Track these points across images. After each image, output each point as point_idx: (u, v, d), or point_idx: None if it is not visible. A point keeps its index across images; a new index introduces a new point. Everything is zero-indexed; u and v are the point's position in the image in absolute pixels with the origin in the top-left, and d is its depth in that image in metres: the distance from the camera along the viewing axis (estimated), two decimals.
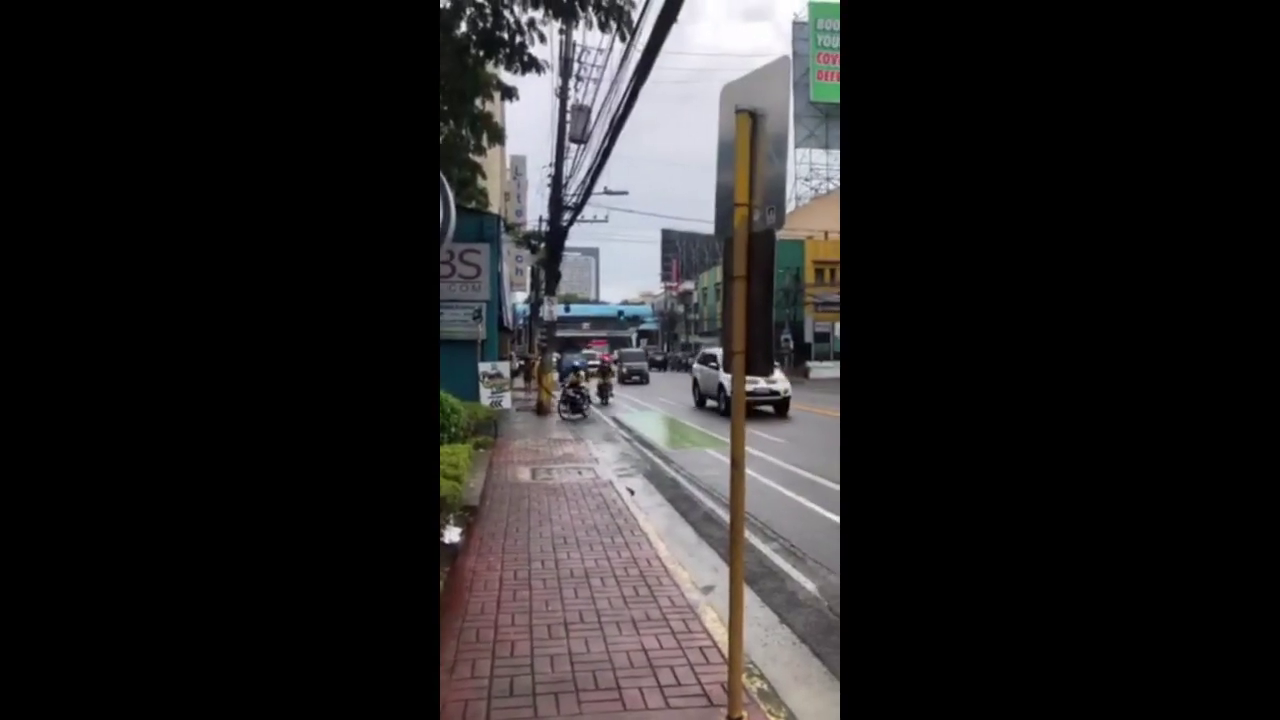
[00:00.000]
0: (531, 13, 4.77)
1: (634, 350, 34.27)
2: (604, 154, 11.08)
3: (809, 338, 31.97)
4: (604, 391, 17.56)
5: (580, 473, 7.33)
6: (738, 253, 2.43)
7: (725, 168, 2.51)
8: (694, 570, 4.20)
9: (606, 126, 10.16)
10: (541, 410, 13.85)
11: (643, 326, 56.65)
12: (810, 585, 4.17)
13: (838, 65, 42.08)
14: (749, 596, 3.84)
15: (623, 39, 6.93)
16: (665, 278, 65.75)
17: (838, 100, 41.93)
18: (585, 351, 36.41)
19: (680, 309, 55.27)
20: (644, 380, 26.28)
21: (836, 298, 33.88)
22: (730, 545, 2.43)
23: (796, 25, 43.22)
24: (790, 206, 43.32)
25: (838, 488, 6.73)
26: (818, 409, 15.69)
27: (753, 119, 2.37)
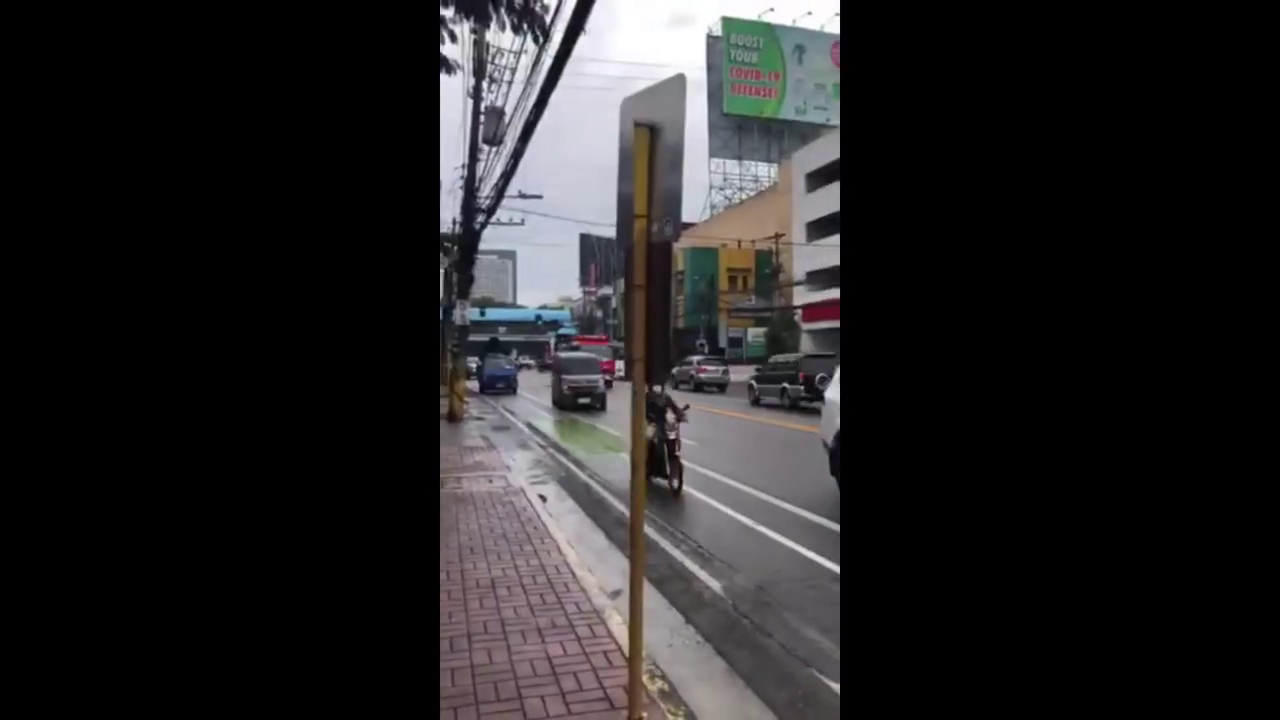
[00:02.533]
0: (442, 11, 4.68)
1: (579, 356, 19.90)
2: (516, 156, 10.97)
3: (723, 343, 32.81)
4: (665, 457, 6.97)
5: (491, 481, 7.20)
6: (638, 262, 2.49)
7: (626, 179, 2.56)
8: (603, 575, 4.23)
9: (520, 129, 10.07)
10: (453, 417, 13.50)
11: (561, 331, 56.44)
12: (716, 585, 4.29)
13: (750, 78, 43.67)
14: (657, 599, 3.91)
15: (536, 42, 6.91)
16: (584, 282, 65.92)
17: (749, 113, 43.55)
18: (511, 359, 28.95)
19: (599, 314, 55.40)
20: (597, 404, 16.94)
21: (748, 304, 34.96)
22: (630, 549, 2.48)
23: (711, 40, 44.37)
24: (705, 215, 44.58)
25: (746, 488, 6.98)
26: (727, 411, 16.23)
27: (651, 133, 2.43)
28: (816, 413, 15.18)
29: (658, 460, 7.01)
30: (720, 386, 23.55)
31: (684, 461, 7.12)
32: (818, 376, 15.14)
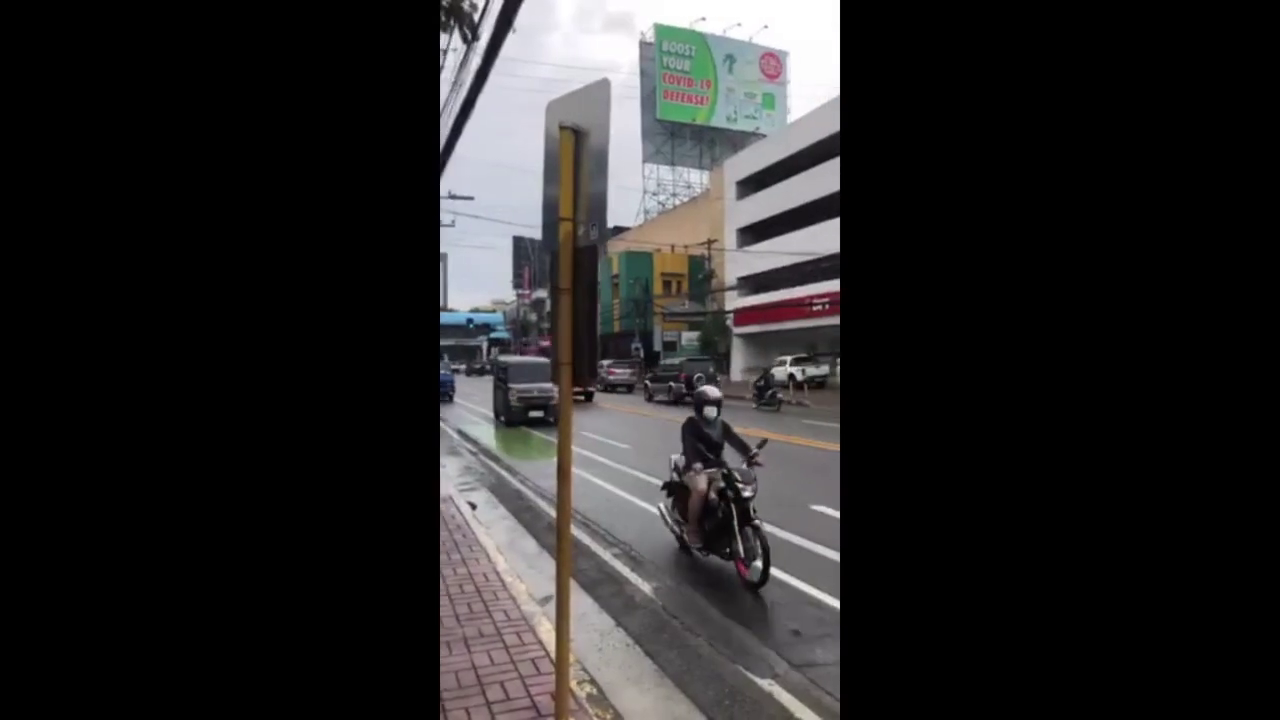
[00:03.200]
0: None
1: (529, 360, 16.83)
2: (445, 155, 10.73)
3: (658, 346, 33.09)
4: (732, 525, 4.24)
5: None
6: (563, 266, 2.48)
7: (552, 182, 2.55)
8: (532, 581, 4.18)
9: (449, 128, 9.85)
10: None
11: (494, 335, 55.28)
12: (646, 588, 4.31)
13: (682, 86, 44.27)
14: (588, 603, 3.91)
15: (465, 40, 6.78)
16: (517, 285, 65.07)
17: (682, 119, 44.14)
18: (445, 364, 25.00)
19: (533, 317, 54.82)
20: (551, 417, 13.53)
21: (682, 308, 35.39)
22: (557, 554, 2.46)
23: (644, 45, 44.75)
24: (639, 220, 44.96)
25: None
26: (627, 408, 16.37)
27: (576, 136, 2.43)
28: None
29: (718, 528, 4.28)
30: (629, 387, 26.26)
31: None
32: (695, 376, 19.16)
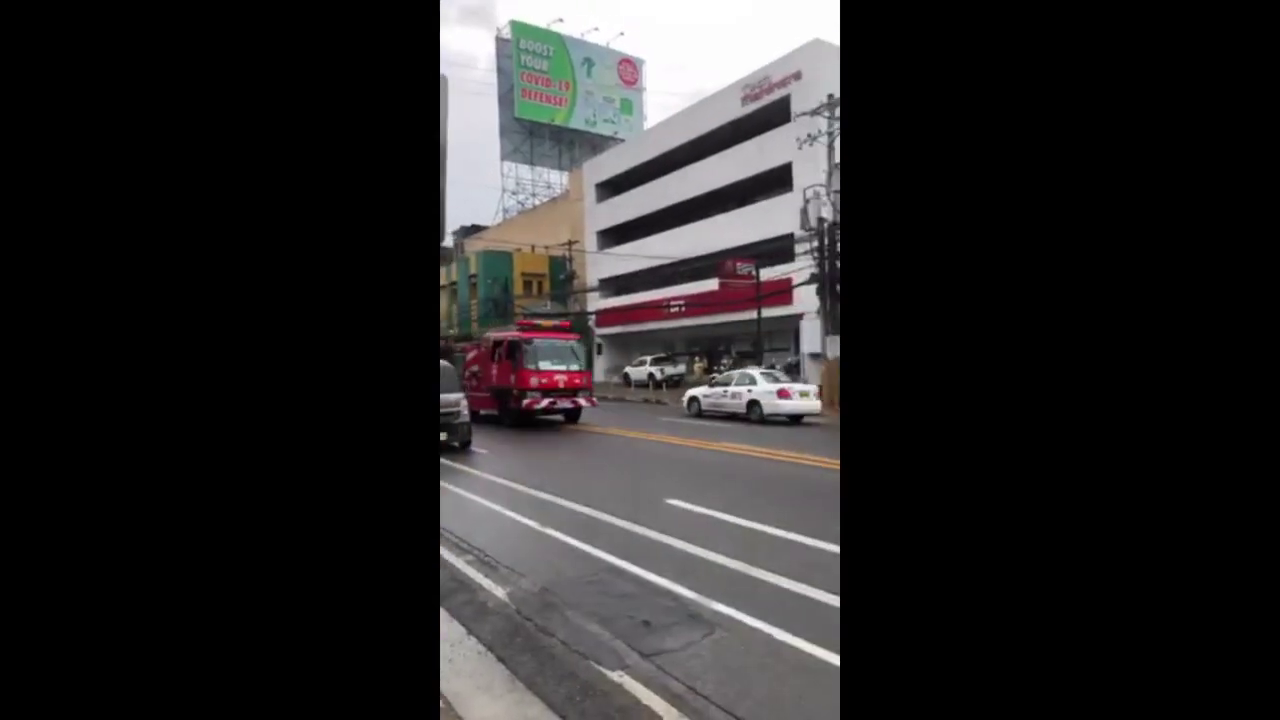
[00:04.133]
0: None
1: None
2: None
3: None
4: None
5: None
6: None
7: None
8: None
9: None
10: None
11: None
12: (500, 593, 4.25)
13: (541, 85, 43.96)
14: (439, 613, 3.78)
15: None
16: None
17: (541, 119, 43.84)
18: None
19: None
20: (456, 441, 9.85)
21: (543, 309, 35.18)
22: None
23: (501, 42, 43.90)
24: (498, 218, 44.05)
25: (533, 492, 7.01)
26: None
27: None
28: None
29: None
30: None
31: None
32: None
